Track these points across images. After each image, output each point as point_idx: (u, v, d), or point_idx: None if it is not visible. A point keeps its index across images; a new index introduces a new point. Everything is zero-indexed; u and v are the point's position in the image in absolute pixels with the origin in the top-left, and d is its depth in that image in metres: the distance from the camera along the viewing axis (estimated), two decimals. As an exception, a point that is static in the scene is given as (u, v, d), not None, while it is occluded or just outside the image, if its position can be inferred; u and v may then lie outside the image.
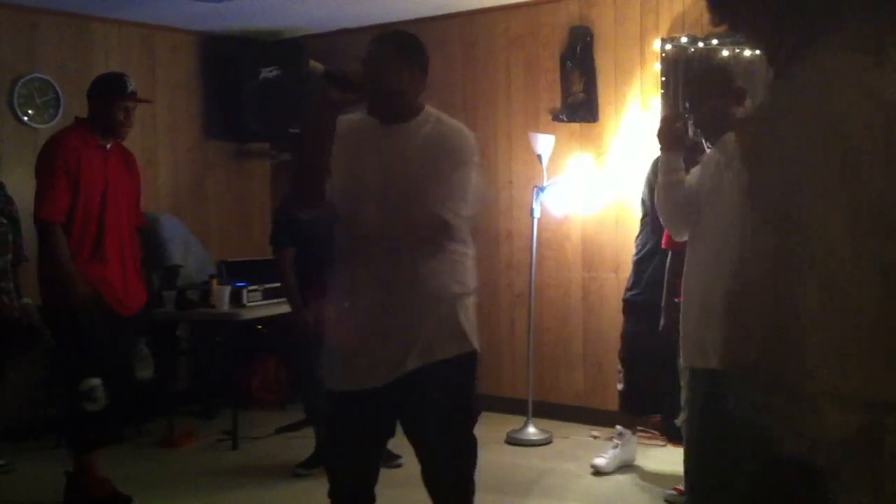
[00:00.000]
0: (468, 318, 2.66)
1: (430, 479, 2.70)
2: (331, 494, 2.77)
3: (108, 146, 3.97)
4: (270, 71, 5.93)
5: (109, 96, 3.92)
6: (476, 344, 2.66)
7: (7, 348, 4.62)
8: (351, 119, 2.66)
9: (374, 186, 2.58)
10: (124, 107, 3.91)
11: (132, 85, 3.97)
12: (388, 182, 2.57)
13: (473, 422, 2.74)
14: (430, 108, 2.67)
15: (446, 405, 2.61)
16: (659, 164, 3.17)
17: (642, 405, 4.50)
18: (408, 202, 2.55)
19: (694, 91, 2.96)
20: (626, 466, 4.48)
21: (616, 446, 4.49)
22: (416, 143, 2.58)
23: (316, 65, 2.51)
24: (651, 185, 4.25)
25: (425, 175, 2.54)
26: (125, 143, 4.12)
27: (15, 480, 4.47)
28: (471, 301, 2.71)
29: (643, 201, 4.42)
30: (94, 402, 3.78)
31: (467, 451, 2.71)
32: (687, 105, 2.93)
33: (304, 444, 4.87)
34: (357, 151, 2.62)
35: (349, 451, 2.71)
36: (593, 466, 4.45)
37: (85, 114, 5.53)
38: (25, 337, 4.68)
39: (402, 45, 2.63)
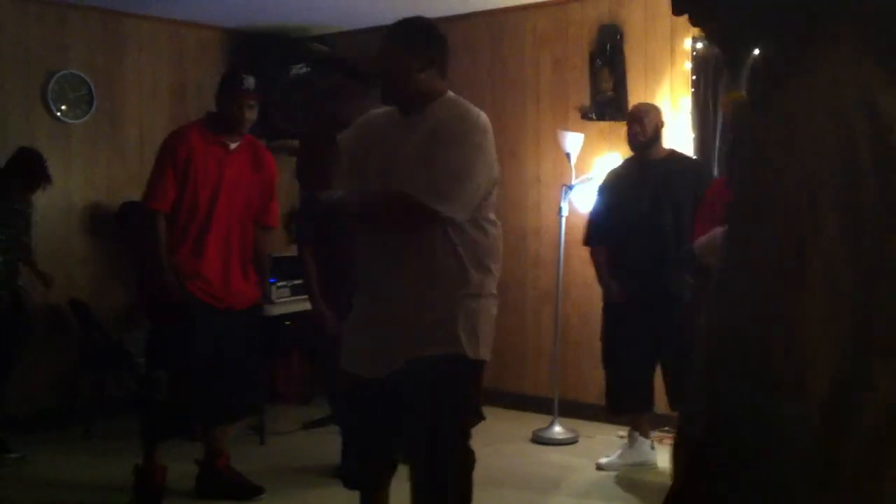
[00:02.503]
0: (469, 320, 2.52)
1: (411, 480, 2.59)
2: (348, 483, 2.79)
3: (233, 145, 3.93)
4: (300, 68, 5.95)
5: (225, 92, 3.91)
6: (472, 350, 2.52)
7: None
8: (377, 112, 2.65)
9: (378, 176, 2.56)
10: (238, 102, 3.85)
11: (249, 82, 3.91)
12: (390, 171, 2.54)
13: (459, 428, 2.58)
14: (449, 95, 2.57)
15: (425, 404, 2.54)
16: None
17: (621, 404, 4.53)
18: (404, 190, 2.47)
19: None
20: (648, 467, 4.46)
21: (625, 446, 4.52)
22: (422, 130, 2.51)
23: (319, 47, 2.52)
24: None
25: (420, 162, 2.48)
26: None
27: (41, 471, 4.51)
28: (479, 303, 2.56)
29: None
30: (160, 393, 3.87)
31: (451, 458, 2.56)
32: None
33: (330, 440, 4.89)
34: (371, 142, 2.61)
35: (364, 434, 2.69)
36: (597, 465, 4.48)
37: (116, 110, 5.66)
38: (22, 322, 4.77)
39: (408, 34, 2.55)
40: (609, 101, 5.28)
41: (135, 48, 5.74)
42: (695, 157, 4.72)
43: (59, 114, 5.38)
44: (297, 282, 5.26)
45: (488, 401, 5.67)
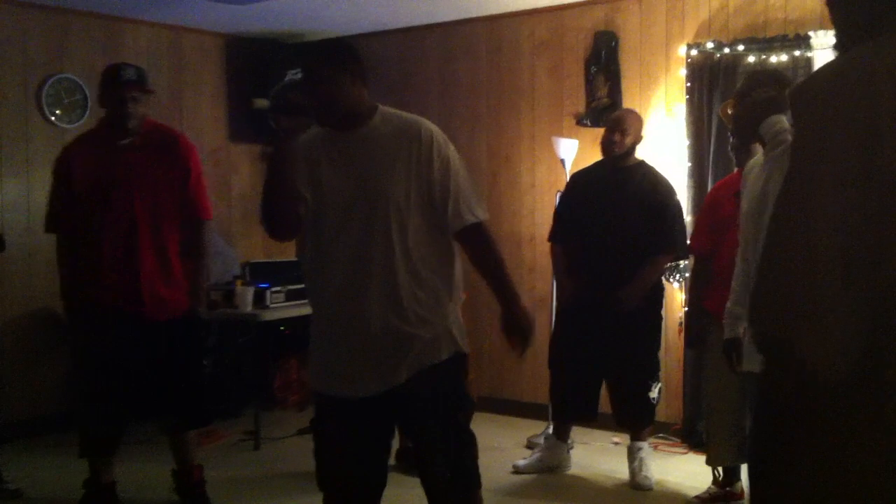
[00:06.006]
0: (456, 320, 2.67)
1: (429, 477, 2.67)
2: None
3: (125, 142, 3.66)
4: (296, 73, 5.95)
5: (105, 87, 3.66)
6: (464, 345, 2.67)
7: None
8: (306, 137, 2.59)
9: (346, 197, 2.53)
10: (119, 96, 3.59)
11: (128, 73, 3.62)
12: (361, 188, 2.53)
13: (468, 418, 2.76)
14: (383, 108, 2.63)
15: (439, 406, 2.61)
16: None
17: (565, 413, 4.53)
18: (393, 205, 2.51)
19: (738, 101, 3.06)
20: (562, 470, 4.49)
21: (542, 448, 4.55)
22: (380, 142, 2.55)
23: (261, 101, 2.50)
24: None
25: (400, 173, 2.51)
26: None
27: (40, 476, 4.50)
28: (457, 303, 2.69)
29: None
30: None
31: (466, 446, 2.69)
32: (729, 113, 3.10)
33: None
34: (320, 165, 2.57)
35: (346, 456, 2.65)
36: (514, 466, 4.48)
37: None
38: None
39: (331, 53, 2.58)
40: (604, 108, 5.29)
41: (132, 53, 5.74)
42: (659, 172, 4.46)
43: (53, 118, 5.38)
44: (291, 287, 5.26)
45: (483, 407, 5.71)
